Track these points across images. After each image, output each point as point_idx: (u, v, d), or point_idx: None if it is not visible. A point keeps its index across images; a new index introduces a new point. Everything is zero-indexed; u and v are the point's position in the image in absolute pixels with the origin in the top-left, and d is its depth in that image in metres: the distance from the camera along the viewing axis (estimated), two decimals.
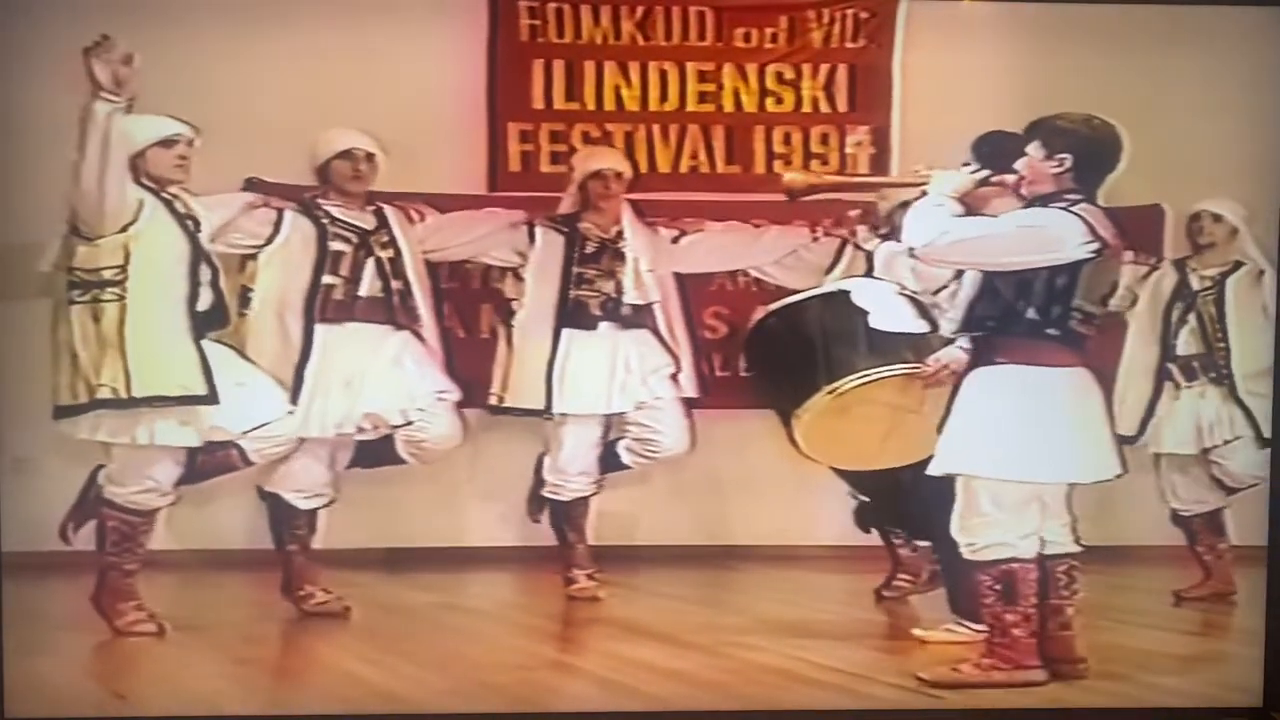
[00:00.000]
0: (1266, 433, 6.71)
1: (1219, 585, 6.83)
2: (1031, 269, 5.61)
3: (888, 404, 6.03)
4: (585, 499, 6.82)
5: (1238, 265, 6.87)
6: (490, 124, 7.07)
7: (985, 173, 5.71)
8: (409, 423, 6.54)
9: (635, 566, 7.00)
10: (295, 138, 6.67)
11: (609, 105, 7.07)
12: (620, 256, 6.80)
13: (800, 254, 6.81)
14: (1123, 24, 6.84)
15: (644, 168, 7.10)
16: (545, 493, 6.83)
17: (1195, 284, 6.89)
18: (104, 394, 6.06)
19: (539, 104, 7.07)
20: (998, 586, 5.79)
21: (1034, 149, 5.67)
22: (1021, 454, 5.72)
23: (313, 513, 6.56)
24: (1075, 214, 5.61)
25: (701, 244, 6.90)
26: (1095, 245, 5.59)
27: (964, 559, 5.81)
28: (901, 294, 6.23)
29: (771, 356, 6.41)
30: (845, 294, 6.25)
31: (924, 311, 6.06)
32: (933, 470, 5.81)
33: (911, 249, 5.79)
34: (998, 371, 5.72)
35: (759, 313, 6.49)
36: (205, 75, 6.60)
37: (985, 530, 5.78)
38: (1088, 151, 5.68)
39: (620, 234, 6.83)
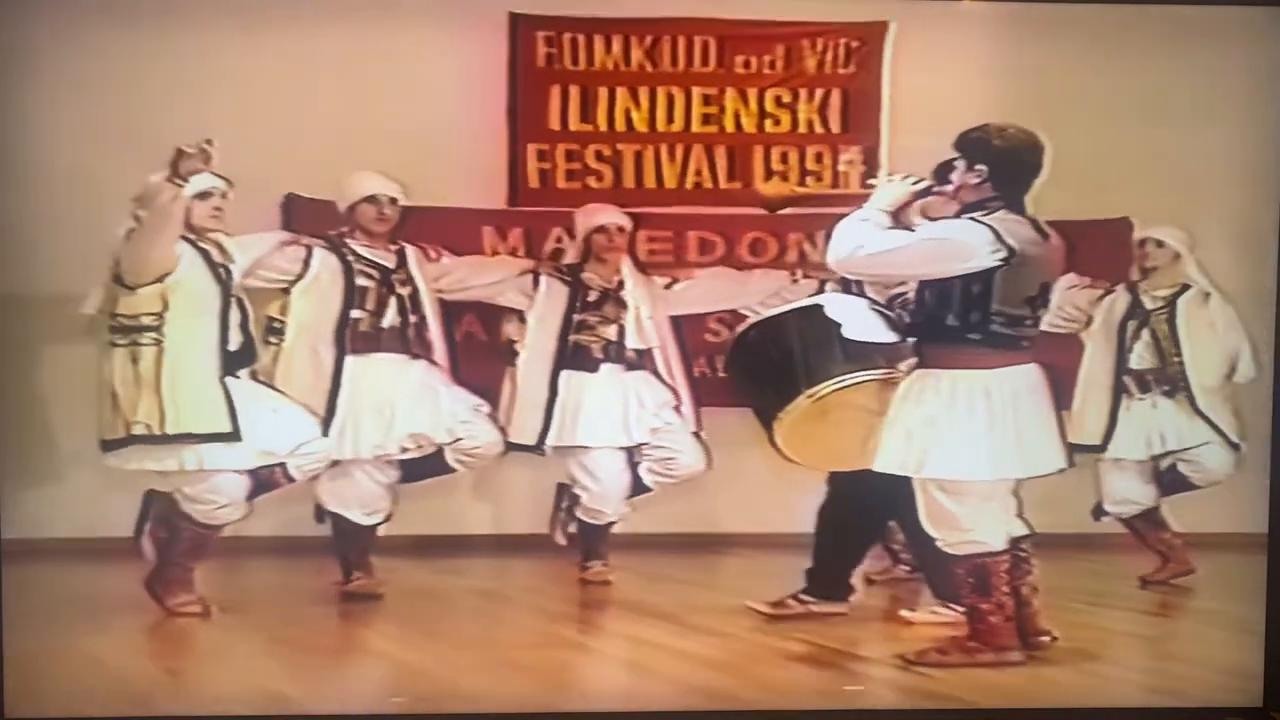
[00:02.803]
0: (1234, 438, 6.82)
1: (1178, 567, 6.89)
2: (950, 278, 5.61)
3: (863, 408, 5.93)
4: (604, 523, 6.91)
5: (1186, 287, 6.93)
6: (510, 144, 7.13)
7: (925, 184, 5.69)
8: (457, 439, 6.62)
9: (640, 552, 6.99)
10: (330, 156, 6.66)
11: (620, 126, 7.14)
12: (622, 304, 6.88)
13: (782, 294, 6.79)
14: (1112, 38, 6.79)
15: (651, 184, 7.17)
16: (585, 518, 6.88)
17: (1148, 304, 6.94)
18: (139, 430, 6.14)
19: (555, 125, 7.13)
20: (971, 579, 5.79)
21: (960, 161, 5.67)
22: (945, 452, 5.70)
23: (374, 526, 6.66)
24: (984, 224, 5.55)
25: (693, 288, 7.00)
26: (1003, 253, 5.52)
27: (940, 551, 5.84)
28: (872, 308, 6.16)
29: (753, 367, 6.33)
30: (819, 307, 6.18)
31: (892, 323, 6.00)
32: (874, 467, 5.82)
33: (831, 264, 5.79)
34: (925, 376, 5.73)
35: (740, 326, 6.48)
36: (242, 105, 6.59)
37: (953, 525, 5.78)
38: (1002, 161, 5.63)
39: (621, 284, 6.90)
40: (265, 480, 6.31)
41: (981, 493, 5.74)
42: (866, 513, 6.38)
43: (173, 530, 6.32)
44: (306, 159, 6.72)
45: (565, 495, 6.96)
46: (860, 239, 5.58)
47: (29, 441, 6.50)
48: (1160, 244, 6.87)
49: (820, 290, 6.70)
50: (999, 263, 5.52)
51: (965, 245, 5.54)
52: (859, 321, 5.99)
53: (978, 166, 5.61)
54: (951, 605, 6.09)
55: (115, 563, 6.45)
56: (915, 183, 5.68)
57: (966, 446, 5.66)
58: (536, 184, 7.14)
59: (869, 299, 6.19)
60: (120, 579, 6.41)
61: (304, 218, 6.83)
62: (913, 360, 5.93)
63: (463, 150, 6.99)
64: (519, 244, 7.14)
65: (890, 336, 5.93)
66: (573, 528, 7.00)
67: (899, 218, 5.64)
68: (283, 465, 6.32)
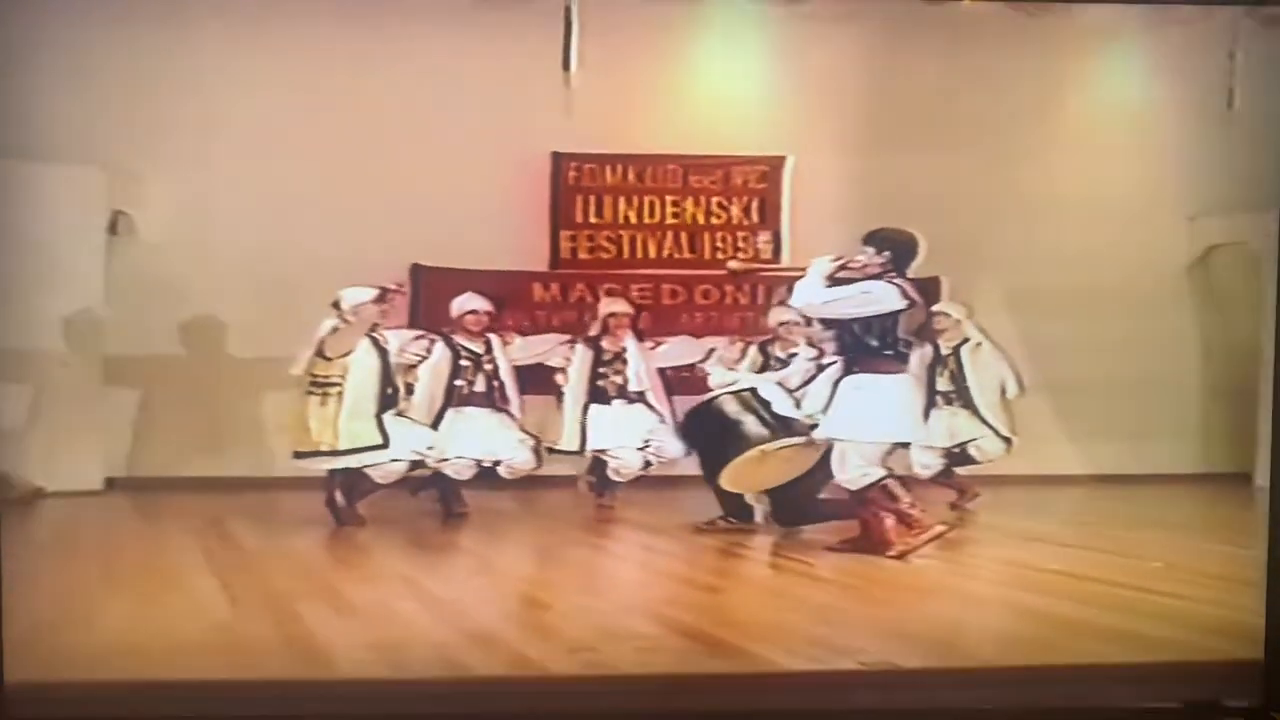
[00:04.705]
0: (1005, 433, 6.99)
1: (970, 495, 7.09)
2: (871, 316, 5.84)
3: (785, 458, 6.24)
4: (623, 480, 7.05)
5: (966, 339, 7.04)
6: (551, 231, 7.48)
7: (842, 260, 5.86)
8: (509, 458, 6.81)
9: (631, 489, 7.06)
10: (444, 239, 6.91)
11: (620, 220, 7.45)
12: (625, 361, 6.97)
13: (721, 352, 6.94)
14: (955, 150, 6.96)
15: (640, 256, 7.44)
16: (614, 477, 6.98)
17: (944, 350, 7.04)
18: (323, 448, 6.46)
19: (580, 219, 7.48)
20: (880, 497, 5.92)
21: (870, 248, 5.88)
22: (868, 423, 5.90)
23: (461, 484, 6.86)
24: (895, 284, 5.84)
25: (670, 349, 7.12)
26: (907, 302, 5.85)
27: (848, 489, 5.97)
28: (783, 391, 6.34)
29: (706, 430, 6.45)
30: (755, 389, 6.41)
31: (796, 401, 6.24)
32: (818, 435, 6.02)
33: (796, 307, 6.05)
34: (856, 378, 5.90)
35: (693, 403, 6.60)
36: (386, 207, 6.86)
37: (857, 469, 5.91)
38: (901, 250, 5.90)
39: (624, 348, 7.00)
40: (416, 464, 6.66)
41: (878, 449, 5.95)
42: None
43: (351, 484, 6.58)
44: (426, 236, 6.95)
45: (595, 465, 7.06)
46: (814, 293, 5.85)
47: (251, 442, 6.87)
48: (946, 315, 6.98)
49: (745, 350, 6.88)
50: (904, 306, 5.83)
51: (881, 297, 5.82)
52: (782, 400, 6.32)
53: (884, 252, 5.85)
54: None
55: (309, 492, 6.67)
56: (834, 260, 5.87)
57: (883, 420, 5.90)
58: (568, 256, 7.46)
59: (780, 386, 6.39)
60: (312, 504, 6.60)
61: (429, 279, 7.08)
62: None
63: (522, 235, 7.33)
64: (556, 293, 7.38)
65: (799, 413, 6.20)
66: (590, 480, 7.11)
67: (830, 280, 5.86)
68: (423, 458, 6.66)
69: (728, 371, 6.73)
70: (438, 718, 4.31)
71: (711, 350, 6.97)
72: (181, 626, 4.83)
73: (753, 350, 6.87)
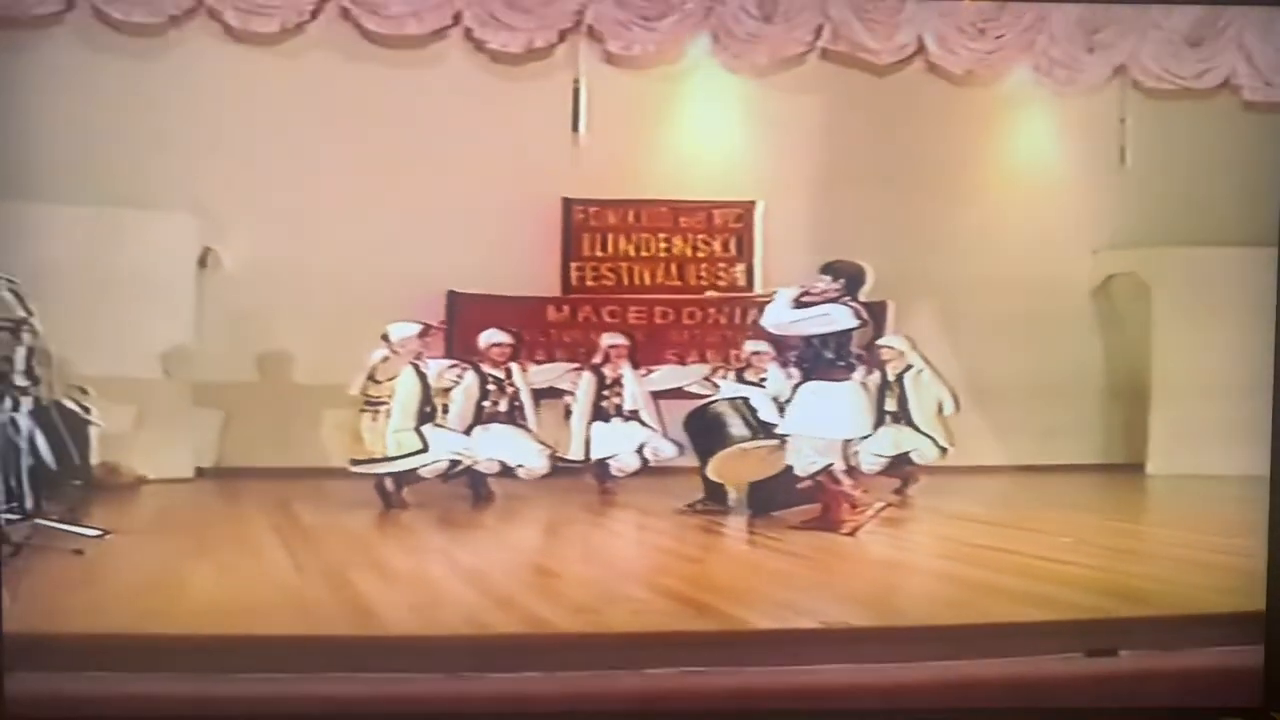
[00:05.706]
0: (942, 444, 6.90)
1: (913, 482, 6.95)
2: (827, 333, 5.88)
3: (760, 457, 6.25)
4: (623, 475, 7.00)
5: (910, 366, 6.95)
6: (563, 262, 7.32)
7: (803, 287, 5.91)
8: (528, 463, 6.77)
9: (628, 478, 6.96)
10: (481, 270, 6.90)
11: (620, 253, 7.32)
12: (623, 385, 6.94)
13: (710, 378, 6.88)
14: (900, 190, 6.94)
15: (637, 283, 7.34)
16: (615, 474, 6.95)
17: (890, 376, 6.93)
18: (376, 456, 6.45)
19: (587, 253, 7.32)
20: (827, 481, 5.94)
21: (827, 276, 5.91)
22: (823, 422, 5.93)
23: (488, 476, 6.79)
24: (850, 306, 5.86)
25: (660, 376, 7.04)
26: (859, 322, 5.88)
27: (801, 476, 5.97)
28: (770, 400, 6.36)
29: (704, 425, 6.47)
30: (746, 398, 6.47)
31: (780, 410, 6.22)
32: (780, 430, 6.04)
33: (766, 327, 6.04)
34: (813, 384, 5.94)
35: (700, 403, 6.59)
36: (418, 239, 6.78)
37: (808, 459, 5.94)
38: (852, 278, 5.91)
39: (621, 374, 6.95)
40: (454, 462, 6.61)
41: (830, 444, 5.95)
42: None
43: (400, 479, 6.55)
44: (460, 268, 6.89)
45: (598, 464, 7.00)
46: (781, 314, 5.89)
47: (313, 442, 6.76)
48: (891, 347, 6.92)
49: (724, 375, 6.88)
50: (856, 325, 5.85)
51: (837, 318, 5.85)
52: (767, 408, 6.37)
53: (839, 280, 5.88)
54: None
55: (360, 480, 6.57)
56: (797, 289, 5.92)
57: (835, 419, 5.92)
58: (576, 283, 7.31)
59: (768, 395, 6.41)
60: (363, 490, 6.54)
61: (463, 303, 6.98)
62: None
63: (538, 266, 7.18)
64: (567, 315, 7.26)
65: (778, 420, 6.21)
66: (596, 472, 7.00)
67: (795, 303, 5.89)
68: (459, 458, 6.62)
69: (732, 384, 6.76)
70: (465, 666, 4.30)
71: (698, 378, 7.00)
72: (255, 588, 4.84)
73: (730, 375, 6.87)
